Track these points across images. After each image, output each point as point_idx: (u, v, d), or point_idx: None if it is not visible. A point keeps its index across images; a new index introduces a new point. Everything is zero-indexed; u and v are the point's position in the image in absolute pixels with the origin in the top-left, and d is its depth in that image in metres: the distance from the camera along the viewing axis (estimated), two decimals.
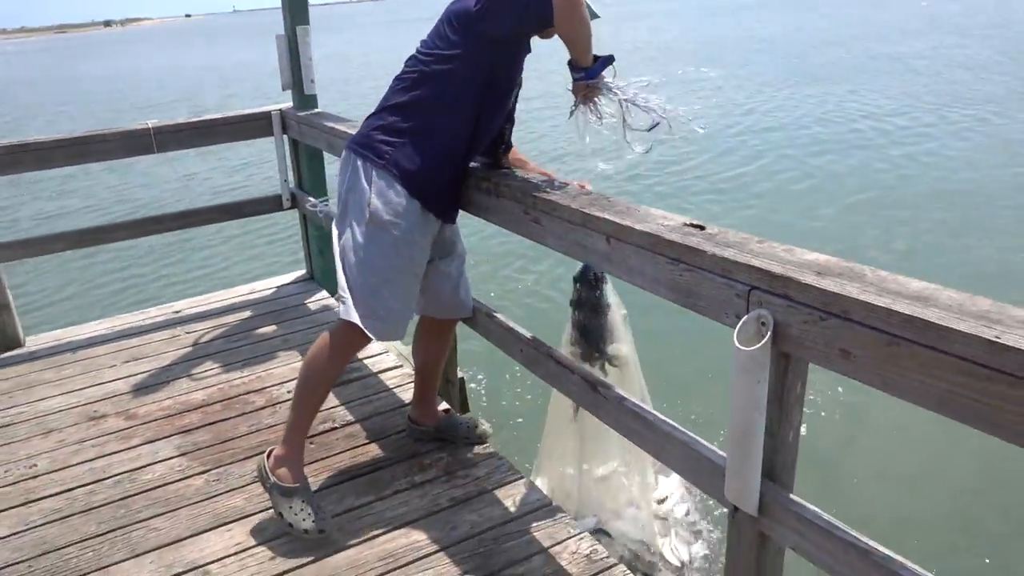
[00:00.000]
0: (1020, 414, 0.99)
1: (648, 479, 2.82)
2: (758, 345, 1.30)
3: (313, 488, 2.29)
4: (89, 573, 2.09)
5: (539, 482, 2.75)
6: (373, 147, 2.04)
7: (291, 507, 2.12)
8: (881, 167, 8.95)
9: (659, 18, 43.14)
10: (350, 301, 2.06)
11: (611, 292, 2.54)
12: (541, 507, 2.24)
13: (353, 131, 2.28)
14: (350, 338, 2.13)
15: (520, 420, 4.16)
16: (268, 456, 2.23)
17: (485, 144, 2.14)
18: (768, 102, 13.61)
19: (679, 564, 2.71)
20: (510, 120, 2.21)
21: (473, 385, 4.27)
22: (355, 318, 2.05)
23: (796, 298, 1.27)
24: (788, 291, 1.28)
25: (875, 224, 7.02)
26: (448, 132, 2.02)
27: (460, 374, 3.16)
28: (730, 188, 8.55)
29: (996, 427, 1.03)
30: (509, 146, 2.25)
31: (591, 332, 2.53)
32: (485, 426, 2.60)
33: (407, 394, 2.88)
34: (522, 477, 2.39)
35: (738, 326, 1.34)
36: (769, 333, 1.30)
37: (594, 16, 1.94)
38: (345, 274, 2.09)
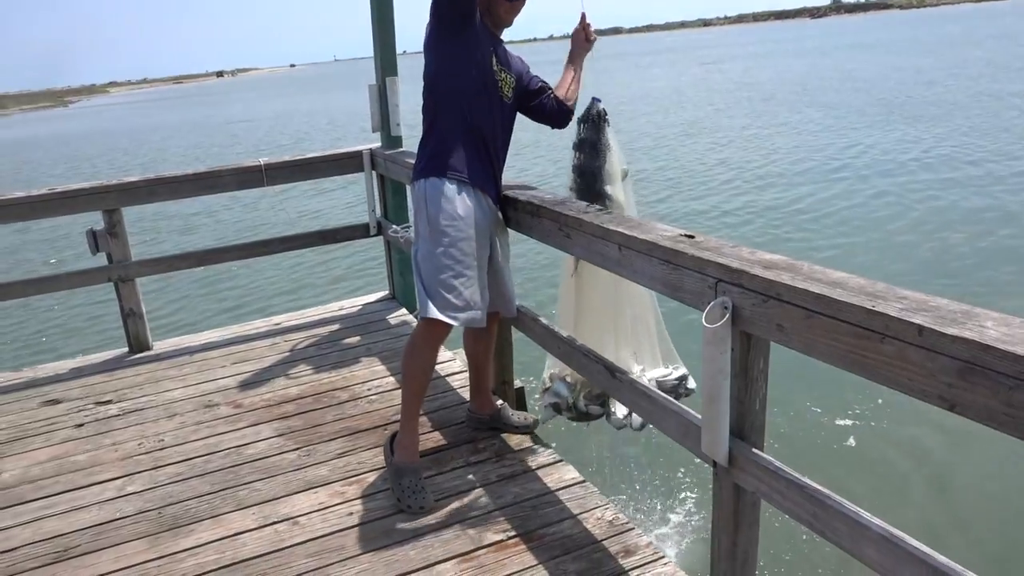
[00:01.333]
0: (887, 363, 1.33)
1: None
2: (720, 323, 1.66)
3: (384, 465, 2.74)
4: (204, 519, 2.58)
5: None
6: (418, 169, 2.56)
7: (400, 484, 2.55)
8: (979, 203, 8.99)
9: (750, 60, 43.24)
10: (427, 300, 2.48)
11: (612, 136, 2.59)
12: (575, 483, 2.61)
13: None
14: (433, 331, 2.53)
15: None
16: (391, 438, 2.70)
17: (491, 117, 2.55)
18: (868, 139, 13.71)
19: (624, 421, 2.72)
20: (544, 91, 2.72)
21: (531, 385, 4.80)
22: (435, 313, 2.45)
23: (747, 286, 1.63)
24: (742, 281, 1.64)
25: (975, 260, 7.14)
26: (455, 118, 2.50)
27: (519, 383, 3.56)
28: (835, 223, 8.85)
29: (874, 374, 1.36)
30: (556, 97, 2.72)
31: (589, 173, 2.59)
32: (533, 418, 2.99)
33: (468, 394, 3.31)
34: (561, 460, 2.77)
35: (706, 309, 1.70)
36: (728, 314, 1.66)
37: None
38: (420, 279, 2.52)
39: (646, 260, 1.96)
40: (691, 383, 2.68)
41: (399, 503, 2.53)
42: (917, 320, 1.27)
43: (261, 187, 4.12)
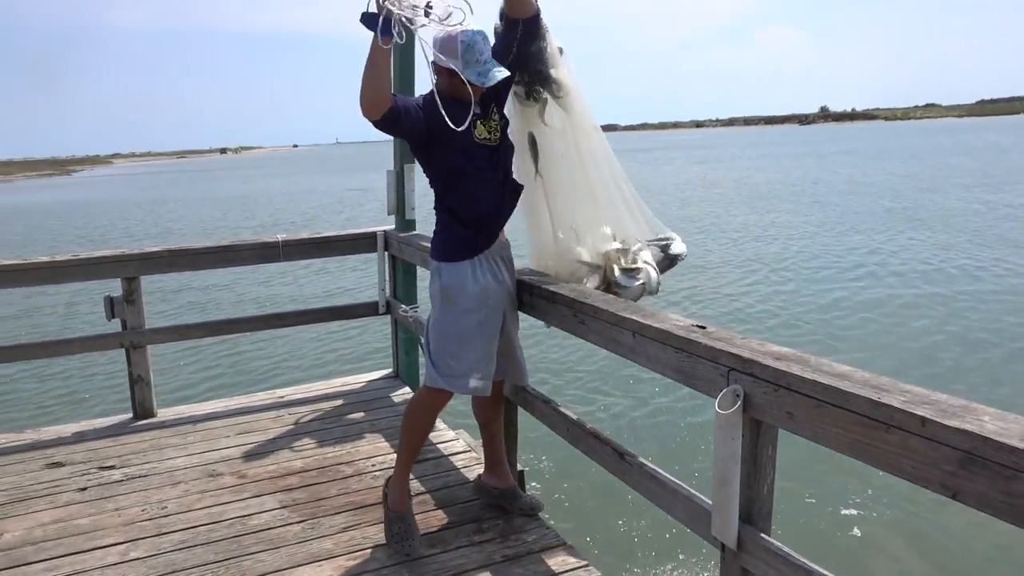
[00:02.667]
0: (891, 452, 1.43)
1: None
2: (732, 409, 1.77)
3: None
4: None
5: (529, 253, 2.96)
6: (434, 249, 2.72)
7: (391, 529, 2.72)
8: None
9: (751, 161, 44.53)
10: (432, 368, 2.63)
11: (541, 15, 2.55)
12: (579, 567, 2.63)
13: None
14: (434, 397, 2.68)
15: (569, 498, 4.87)
16: (385, 484, 2.85)
17: (485, 207, 2.60)
18: (880, 243, 14.12)
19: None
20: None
21: (531, 468, 4.92)
22: (438, 382, 2.60)
23: (759, 375, 1.74)
24: (753, 371, 1.76)
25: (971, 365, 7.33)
26: (457, 203, 2.60)
27: (520, 467, 3.60)
28: (834, 320, 9.06)
29: (879, 462, 1.46)
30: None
31: (530, 57, 2.56)
32: (539, 503, 3.02)
33: (471, 473, 3.35)
34: (565, 544, 2.79)
35: (719, 396, 1.81)
36: (740, 401, 1.77)
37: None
38: (428, 347, 2.67)
39: (660, 348, 2.08)
40: (676, 247, 2.79)
41: (389, 546, 2.71)
42: (920, 412, 1.38)
43: (278, 262, 4.25)
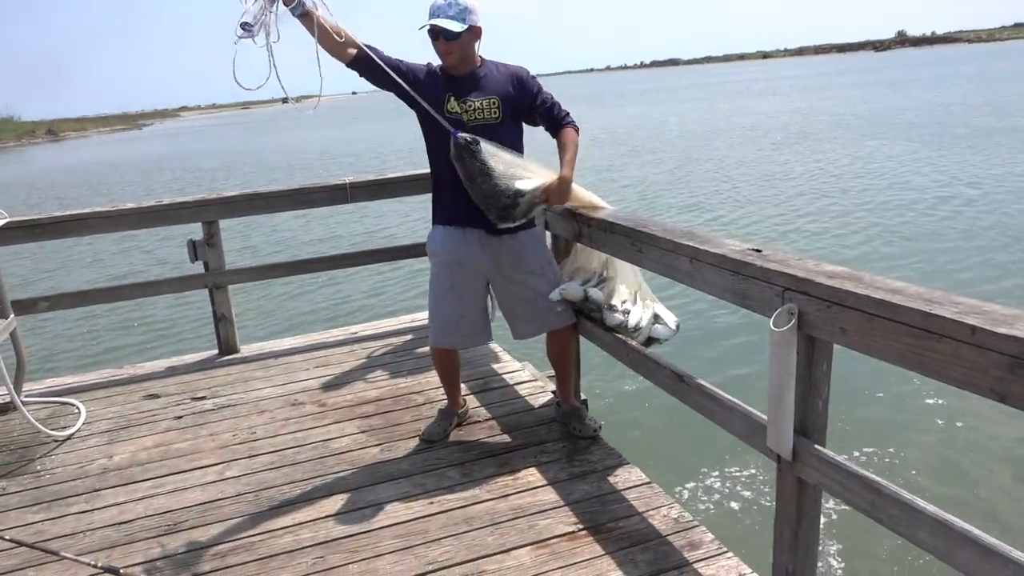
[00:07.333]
0: (942, 361, 1.48)
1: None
2: (787, 327, 1.83)
3: (460, 461, 3.02)
4: (298, 503, 2.82)
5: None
6: None
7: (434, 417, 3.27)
8: None
9: (844, 90, 41.73)
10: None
11: (485, 150, 2.67)
12: (641, 484, 2.77)
13: None
14: (433, 351, 3.22)
15: (631, 420, 5.13)
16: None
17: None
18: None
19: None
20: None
21: (598, 392, 5.32)
22: (430, 337, 3.15)
23: (813, 293, 1.80)
24: (808, 289, 1.81)
25: None
26: (434, 168, 2.96)
27: (583, 396, 3.73)
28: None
29: (929, 371, 1.52)
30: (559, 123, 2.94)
31: (497, 191, 2.68)
32: (597, 425, 3.16)
33: (536, 401, 3.51)
34: (628, 463, 2.93)
35: (774, 315, 1.87)
36: (794, 319, 1.83)
37: None
38: None
39: (716, 272, 2.14)
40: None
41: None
42: (971, 321, 1.42)
43: (345, 203, 4.42)
